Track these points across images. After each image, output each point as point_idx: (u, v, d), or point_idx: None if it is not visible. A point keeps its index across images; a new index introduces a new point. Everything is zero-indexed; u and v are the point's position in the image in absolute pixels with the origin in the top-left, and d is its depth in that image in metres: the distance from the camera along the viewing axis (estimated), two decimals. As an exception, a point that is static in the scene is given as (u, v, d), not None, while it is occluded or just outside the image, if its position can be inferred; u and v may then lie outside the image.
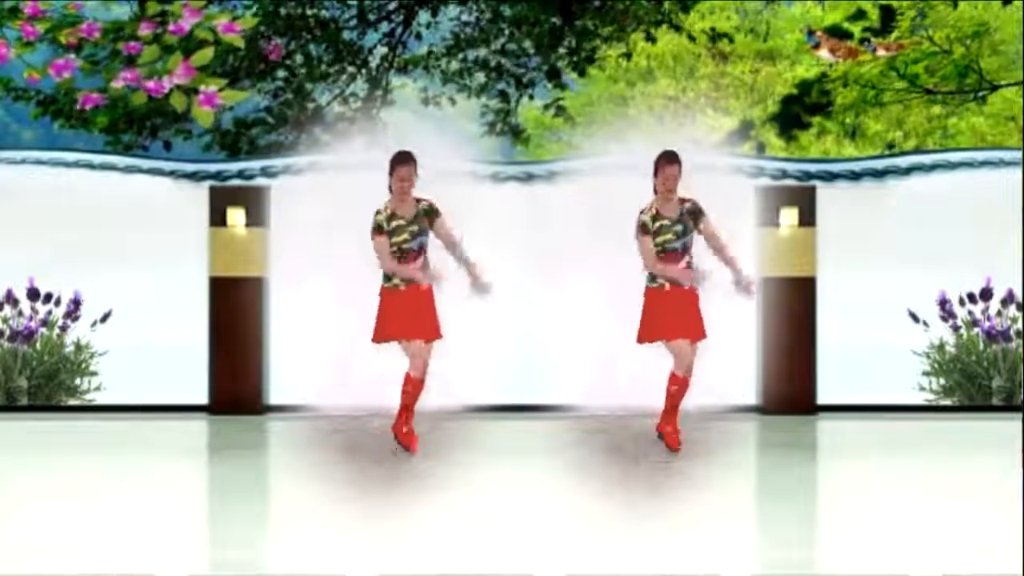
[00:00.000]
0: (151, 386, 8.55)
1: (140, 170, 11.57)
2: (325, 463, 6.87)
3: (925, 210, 10.56)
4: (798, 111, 17.43)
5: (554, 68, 14.37)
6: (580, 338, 8.45)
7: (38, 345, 8.76)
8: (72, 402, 8.78)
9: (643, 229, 6.98)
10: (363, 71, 14.60)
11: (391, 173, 6.90)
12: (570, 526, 5.36)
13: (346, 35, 14.44)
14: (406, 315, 6.90)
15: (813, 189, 8.69)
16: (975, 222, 9.73)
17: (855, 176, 11.29)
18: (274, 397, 8.51)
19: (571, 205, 8.81)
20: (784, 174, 10.97)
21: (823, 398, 8.40)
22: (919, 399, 8.77)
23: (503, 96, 14.52)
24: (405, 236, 6.90)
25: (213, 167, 11.53)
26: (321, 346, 8.30)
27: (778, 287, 8.38)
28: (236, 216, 8.43)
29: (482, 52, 14.50)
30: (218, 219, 8.45)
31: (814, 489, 6.46)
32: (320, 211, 8.32)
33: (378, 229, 6.92)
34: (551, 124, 16.29)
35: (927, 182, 11.26)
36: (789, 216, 8.38)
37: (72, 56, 4.87)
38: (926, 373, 8.86)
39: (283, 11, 13.92)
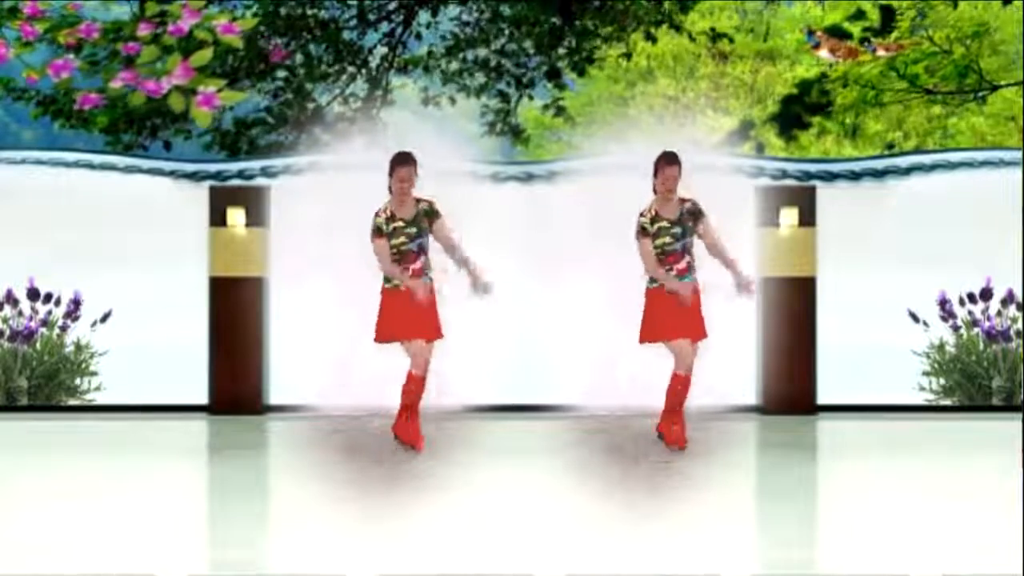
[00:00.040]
0: (151, 386, 8.55)
1: (140, 170, 11.58)
2: (325, 463, 6.87)
3: (925, 210, 10.56)
4: (798, 111, 17.43)
5: (554, 68, 14.37)
6: (580, 338, 8.45)
7: (38, 345, 8.76)
8: (72, 402, 8.77)
9: (642, 232, 6.99)
10: (363, 71, 14.61)
11: (391, 174, 6.91)
12: (570, 526, 5.36)
13: (346, 35, 14.44)
14: (406, 315, 6.90)
15: (813, 189, 8.69)
16: (975, 222, 9.73)
17: (855, 176, 11.29)
18: (274, 397, 8.51)
19: (571, 205, 8.81)
20: (784, 174, 10.97)
21: (823, 398, 8.40)
22: (919, 399, 8.77)
23: (503, 96, 14.52)
24: (403, 239, 6.90)
25: (213, 167, 11.53)
26: (321, 346, 8.29)
27: (778, 287, 8.38)
28: (236, 216, 8.43)
29: (482, 52, 14.51)
30: (218, 219, 8.45)
31: (814, 489, 6.46)
32: (320, 211, 8.32)
33: (377, 232, 6.93)
34: (551, 124, 16.30)
35: (927, 182, 11.26)
36: (789, 216, 8.38)
37: (71, 56, 4.87)
38: (926, 373, 8.86)
39: (283, 11, 13.92)
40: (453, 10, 14.61)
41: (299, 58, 14.13)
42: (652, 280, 7.01)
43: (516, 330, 8.74)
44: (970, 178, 11.14)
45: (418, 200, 6.96)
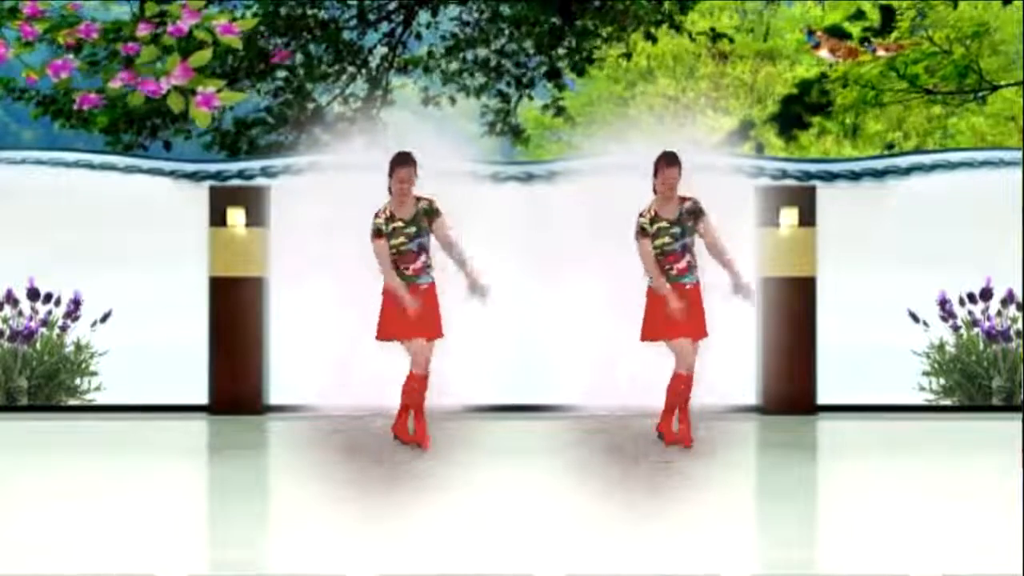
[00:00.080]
0: (151, 386, 8.54)
1: (140, 170, 11.58)
2: (325, 463, 6.87)
3: (925, 210, 10.56)
4: (798, 111, 17.43)
5: (554, 68, 14.37)
6: (580, 338, 8.45)
7: (38, 345, 8.76)
8: (72, 402, 8.77)
9: (641, 232, 6.99)
10: (363, 71, 14.61)
11: (390, 174, 6.91)
12: (570, 526, 5.36)
13: (346, 35, 14.44)
14: (404, 315, 6.91)
15: (813, 189, 8.69)
16: (975, 222, 9.73)
17: (855, 176, 11.29)
18: (274, 397, 8.51)
19: (571, 205, 8.81)
20: (784, 174, 10.97)
21: (823, 398, 8.40)
22: (919, 399, 8.77)
23: (503, 96, 14.52)
24: (402, 239, 6.91)
25: (213, 167, 11.53)
26: (321, 346, 8.30)
27: (778, 287, 8.38)
28: (236, 216, 8.43)
29: (482, 52, 14.51)
30: (218, 219, 8.45)
31: (814, 489, 6.46)
32: (320, 211, 8.32)
33: (377, 233, 6.93)
34: (551, 124, 16.30)
35: (927, 182, 11.26)
36: (789, 216, 8.38)
37: (70, 56, 4.87)
38: (926, 373, 8.86)
39: (283, 11, 13.92)
40: (453, 10, 14.62)
41: (299, 58, 14.13)
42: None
43: (516, 330, 8.74)
44: (970, 178, 11.14)
45: (418, 199, 6.96)
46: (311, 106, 14.23)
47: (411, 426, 7.16)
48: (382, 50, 14.71)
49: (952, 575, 4.47)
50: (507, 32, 14.46)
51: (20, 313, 8.83)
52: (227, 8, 12.87)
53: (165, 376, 8.60)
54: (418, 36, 14.80)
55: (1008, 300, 8.79)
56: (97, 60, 4.95)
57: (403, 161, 6.89)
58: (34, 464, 6.80)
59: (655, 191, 7.00)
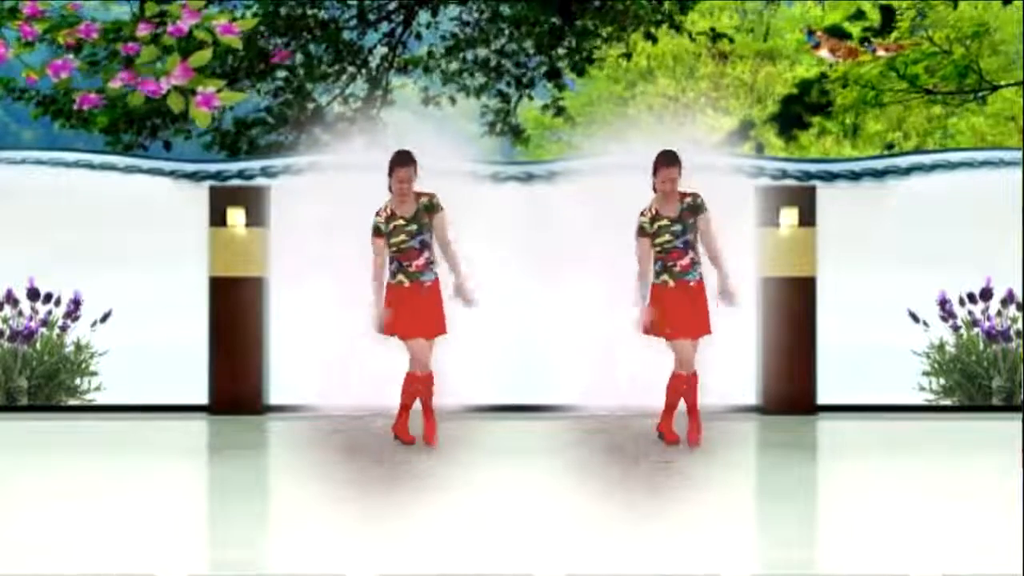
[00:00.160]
0: (151, 386, 8.54)
1: (140, 170, 11.57)
2: (325, 463, 6.87)
3: (925, 210, 10.55)
4: (798, 111, 17.43)
5: (554, 68, 14.37)
6: (580, 338, 8.45)
7: (38, 345, 8.76)
8: (72, 402, 8.77)
9: (640, 232, 7.00)
10: (363, 71, 14.61)
11: (390, 174, 6.91)
12: (570, 526, 5.36)
13: (346, 35, 14.44)
14: (407, 313, 6.93)
15: (813, 189, 8.69)
16: (975, 222, 9.73)
17: (855, 176, 11.29)
18: (274, 397, 8.51)
19: (571, 205, 8.81)
20: (784, 174, 10.97)
21: (823, 398, 8.40)
22: (919, 399, 8.77)
23: (503, 96, 14.52)
24: (403, 236, 6.92)
25: (213, 167, 11.53)
26: (321, 346, 8.30)
27: (778, 287, 8.38)
28: (236, 216, 8.43)
29: (482, 52, 14.51)
30: (218, 219, 8.45)
31: (814, 489, 6.46)
32: (320, 211, 8.33)
33: (376, 231, 6.95)
34: (551, 124, 16.29)
35: (927, 182, 11.26)
36: (789, 216, 8.38)
37: (70, 56, 4.88)
38: (926, 373, 8.85)
39: (283, 11, 13.92)
40: (453, 10, 14.61)
41: (299, 58, 14.13)
42: (656, 275, 7.02)
43: (516, 330, 8.74)
44: (970, 178, 11.14)
45: (419, 196, 6.96)
46: (311, 106, 14.24)
47: (420, 426, 7.16)
48: (382, 50, 14.72)
49: (952, 575, 4.47)
50: (507, 32, 14.46)
51: (20, 313, 8.83)
52: (227, 8, 12.87)
53: (165, 376, 8.60)
54: (418, 36, 14.80)
55: (1008, 300, 8.78)
56: (97, 60, 4.95)
57: (403, 161, 6.90)
58: (34, 464, 6.79)
59: (655, 190, 7.00)
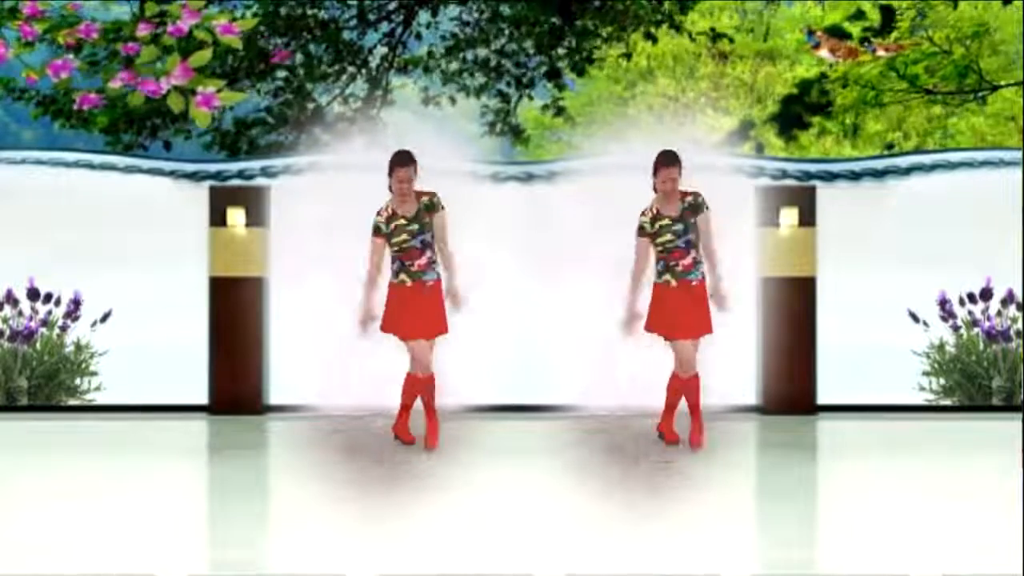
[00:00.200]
0: (151, 386, 8.54)
1: (140, 170, 11.57)
2: (325, 463, 6.87)
3: (925, 210, 10.55)
4: (798, 111, 17.42)
5: (554, 68, 14.37)
6: (580, 338, 8.45)
7: (38, 345, 8.76)
8: (72, 402, 8.77)
9: (640, 231, 6.99)
10: (363, 71, 14.61)
11: (390, 174, 6.91)
12: (570, 526, 5.36)
13: (346, 35, 14.44)
14: (407, 313, 6.92)
15: (813, 189, 8.69)
16: (975, 222, 9.73)
17: (855, 176, 11.29)
18: (274, 397, 8.51)
19: (571, 205, 8.81)
20: (784, 174, 10.97)
21: (823, 398, 8.40)
22: (919, 399, 8.76)
23: (503, 96, 14.52)
24: (405, 236, 6.92)
25: (213, 167, 11.53)
26: (321, 346, 8.29)
27: (778, 287, 8.38)
28: (236, 216, 8.43)
29: (482, 52, 14.51)
30: (218, 219, 8.45)
31: (814, 489, 6.46)
32: (320, 211, 8.32)
33: (376, 231, 6.94)
34: (551, 124, 16.29)
35: (927, 182, 11.26)
36: (789, 216, 8.38)
37: (70, 56, 4.88)
38: (926, 373, 8.85)
39: (283, 11, 13.92)
40: (453, 10, 14.61)
41: (299, 58, 14.13)
42: (659, 275, 7.01)
43: (516, 330, 8.74)
44: (970, 178, 11.14)
45: (420, 195, 6.96)
46: (311, 106, 14.23)
47: (421, 426, 7.16)
48: (382, 50, 14.71)
49: (952, 575, 4.47)
50: (507, 32, 14.46)
51: (20, 313, 8.83)
52: (227, 8, 12.87)
53: (165, 376, 8.59)
54: (418, 36, 14.80)
55: (1008, 300, 8.78)
56: (97, 60, 4.95)
57: (403, 161, 6.89)
58: (34, 464, 6.80)
59: (655, 190, 7.00)
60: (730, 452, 7.18)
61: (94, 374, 8.89)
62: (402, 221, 6.91)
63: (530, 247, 8.93)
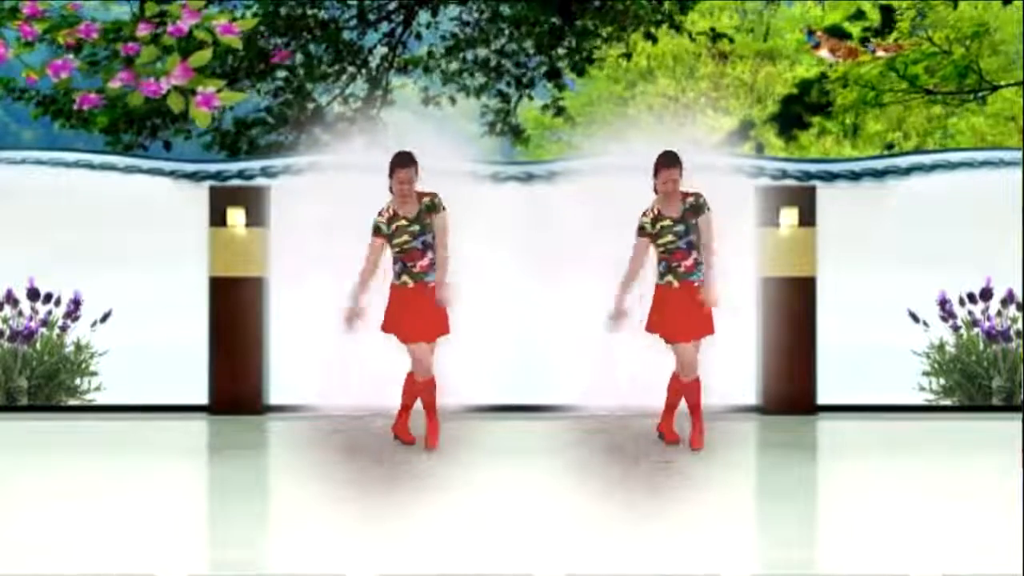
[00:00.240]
0: (151, 386, 8.54)
1: (140, 170, 11.57)
2: (325, 463, 6.87)
3: (925, 210, 10.55)
4: (798, 111, 17.43)
5: (554, 68, 14.37)
6: (580, 338, 8.45)
7: (38, 345, 8.76)
8: (72, 402, 8.77)
9: (640, 231, 6.98)
10: (363, 71, 14.61)
11: (391, 175, 6.89)
12: (570, 526, 5.36)
13: (346, 35, 14.44)
14: (408, 315, 6.91)
15: (813, 189, 8.69)
16: (975, 222, 9.73)
17: (855, 176, 11.29)
18: (274, 397, 8.51)
19: (571, 205, 8.81)
20: (784, 174, 10.97)
21: (823, 398, 8.40)
22: (919, 399, 8.76)
23: (503, 96, 14.52)
24: (406, 237, 6.90)
25: (213, 167, 11.53)
26: (321, 346, 8.29)
27: (778, 287, 8.38)
28: (236, 216, 8.43)
29: (482, 52, 14.51)
30: (218, 219, 8.45)
31: (814, 489, 6.46)
32: (320, 211, 8.32)
33: (376, 231, 6.92)
34: (551, 124, 16.29)
35: (927, 182, 11.26)
36: (789, 216, 8.38)
37: (70, 56, 4.87)
38: (926, 373, 8.85)
39: (283, 11, 13.92)
40: (453, 10, 14.61)
41: (299, 58, 14.13)
42: (661, 276, 7.00)
43: (516, 330, 8.74)
44: (970, 178, 11.14)
45: (421, 196, 6.94)
46: (311, 106, 14.23)
47: (421, 427, 7.16)
48: (382, 50, 14.71)
49: (952, 575, 4.47)
50: (507, 32, 14.46)
51: (20, 313, 8.83)
52: (227, 8, 12.87)
53: (165, 376, 8.59)
54: (418, 36, 14.80)
55: (1008, 300, 8.79)
56: (97, 60, 4.95)
57: (403, 162, 6.88)
58: (34, 464, 6.80)
59: (656, 191, 6.99)
60: (730, 452, 7.18)
61: (94, 374, 8.89)
62: (403, 222, 6.90)
63: (530, 247, 8.93)
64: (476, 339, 7.87)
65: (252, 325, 8.44)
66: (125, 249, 10.31)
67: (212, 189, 8.85)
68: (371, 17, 14.61)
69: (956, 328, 8.85)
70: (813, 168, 11.33)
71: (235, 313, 8.42)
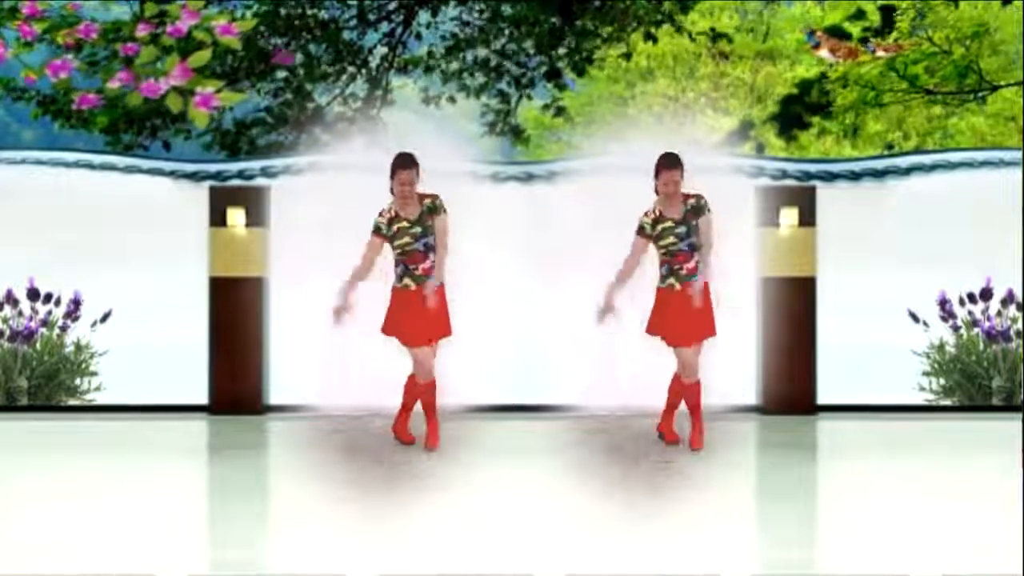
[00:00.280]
0: (151, 386, 8.54)
1: (140, 170, 11.59)
2: (325, 463, 6.87)
3: (925, 210, 10.56)
4: (798, 111, 17.43)
5: (554, 68, 14.37)
6: (580, 338, 8.44)
7: (38, 345, 8.76)
8: (72, 402, 8.77)
9: (640, 231, 6.96)
10: (363, 71, 14.61)
11: (392, 176, 6.87)
12: (570, 526, 5.36)
13: (346, 35, 14.44)
14: (410, 318, 6.90)
15: (813, 189, 8.68)
16: (975, 222, 9.74)
17: (855, 176, 11.30)
18: (274, 397, 8.51)
19: (571, 205, 8.81)
20: (784, 174, 10.98)
21: (823, 398, 8.40)
22: (919, 399, 8.76)
23: (503, 96, 14.52)
24: (408, 239, 6.88)
25: (213, 167, 11.54)
26: (321, 346, 8.29)
27: (778, 287, 8.38)
28: (236, 216, 8.43)
29: (482, 52, 14.51)
30: (218, 219, 8.45)
31: (814, 489, 6.46)
32: (320, 211, 8.32)
33: (376, 230, 6.91)
34: (551, 124, 16.30)
35: (927, 182, 11.27)
36: (789, 216, 8.38)
37: (69, 56, 4.88)
38: (926, 373, 8.85)
39: (283, 11, 13.92)
40: (453, 10, 14.62)
41: (299, 58, 14.13)
42: (662, 279, 6.99)
43: (516, 330, 8.74)
44: (970, 178, 11.15)
45: (423, 197, 6.93)
46: (311, 106, 14.23)
47: (422, 425, 7.16)
48: (382, 50, 14.71)
49: (952, 575, 4.47)
50: (507, 32, 14.46)
51: (20, 313, 8.83)
52: (226, 8, 12.87)
53: (165, 376, 8.60)
54: (418, 36, 14.80)
55: (1008, 300, 8.78)
56: (97, 60, 4.95)
57: (404, 164, 6.85)
58: (34, 464, 6.80)
59: (657, 192, 6.97)
60: (730, 452, 7.18)
61: (94, 374, 8.89)
62: (405, 224, 6.89)
63: (530, 247, 8.94)
64: (476, 339, 7.87)
65: (252, 325, 8.44)
66: (125, 249, 10.32)
67: (212, 189, 8.85)
68: (371, 17, 14.61)
69: (956, 328, 8.85)
70: (813, 168, 11.34)
71: (235, 313, 8.42)
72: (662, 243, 6.93)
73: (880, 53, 15.44)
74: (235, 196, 8.71)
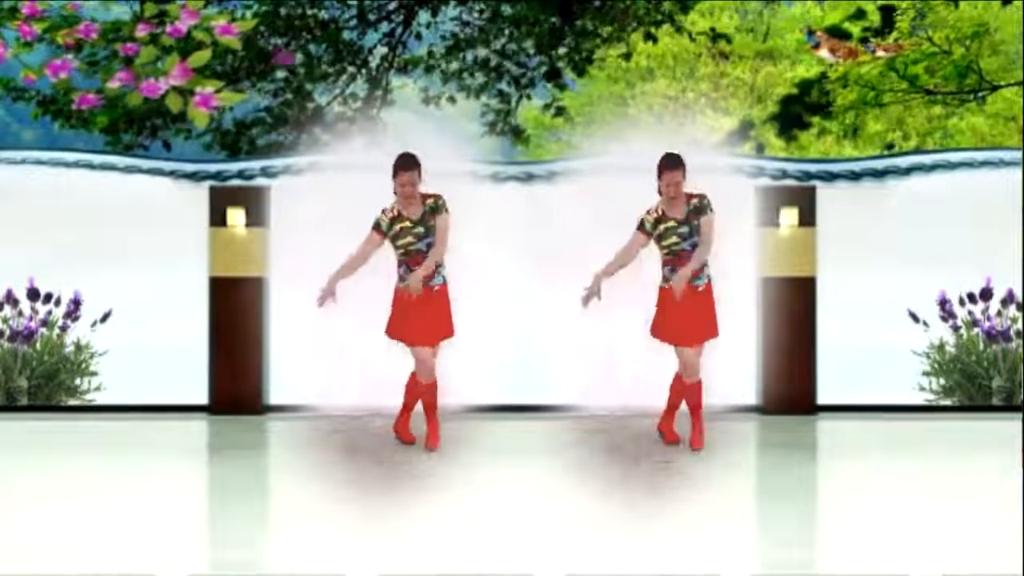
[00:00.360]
0: (151, 386, 8.54)
1: (140, 170, 11.59)
2: (325, 463, 6.87)
3: (925, 210, 10.56)
4: (798, 111, 17.42)
5: (554, 68, 14.37)
6: (580, 338, 8.45)
7: (38, 345, 8.76)
8: (72, 402, 8.77)
9: (640, 226, 6.95)
10: (363, 71, 14.60)
11: (394, 177, 6.86)
12: (570, 526, 5.36)
13: (346, 35, 14.44)
14: (412, 319, 6.90)
15: (813, 189, 8.68)
16: (975, 222, 9.74)
17: (855, 176, 11.30)
18: (274, 397, 8.51)
19: (571, 205, 8.80)
20: (784, 174, 10.97)
21: (823, 398, 8.40)
22: (919, 399, 8.76)
23: (503, 96, 14.52)
24: (410, 239, 6.87)
25: (213, 167, 11.54)
26: (321, 346, 8.29)
27: (778, 287, 8.38)
28: (236, 216, 8.43)
29: (482, 52, 14.51)
30: (218, 219, 8.45)
31: (814, 489, 6.46)
32: (320, 211, 8.32)
33: (376, 226, 6.89)
34: (551, 124, 16.29)
35: (927, 182, 11.27)
36: (789, 216, 8.38)
37: (69, 56, 4.88)
38: (926, 373, 8.85)
39: (283, 11, 13.92)
40: (453, 10, 14.61)
41: (299, 58, 14.13)
42: (665, 279, 6.99)
43: (516, 330, 8.73)
44: (970, 178, 11.15)
45: (425, 197, 6.92)
46: (311, 106, 14.23)
47: (422, 425, 7.16)
48: (382, 50, 14.71)
49: (952, 575, 4.47)
50: (507, 32, 14.45)
51: (20, 313, 8.83)
52: (226, 8, 12.87)
53: (165, 376, 8.60)
54: (418, 36, 14.79)
55: (1008, 300, 8.78)
56: (96, 60, 4.95)
57: (406, 165, 6.82)
58: (34, 464, 6.80)
59: (659, 193, 6.97)
60: (730, 452, 7.18)
61: (94, 374, 8.89)
62: (407, 224, 6.88)
63: (530, 247, 8.93)
64: (476, 339, 7.87)
65: (252, 325, 8.44)
66: (125, 249, 10.32)
67: (212, 189, 8.85)
68: (371, 17, 14.61)
69: (956, 328, 8.85)
70: (813, 168, 11.34)
71: (235, 313, 8.42)
72: (665, 243, 6.93)
73: (880, 53, 15.44)
74: (235, 196, 8.71)
